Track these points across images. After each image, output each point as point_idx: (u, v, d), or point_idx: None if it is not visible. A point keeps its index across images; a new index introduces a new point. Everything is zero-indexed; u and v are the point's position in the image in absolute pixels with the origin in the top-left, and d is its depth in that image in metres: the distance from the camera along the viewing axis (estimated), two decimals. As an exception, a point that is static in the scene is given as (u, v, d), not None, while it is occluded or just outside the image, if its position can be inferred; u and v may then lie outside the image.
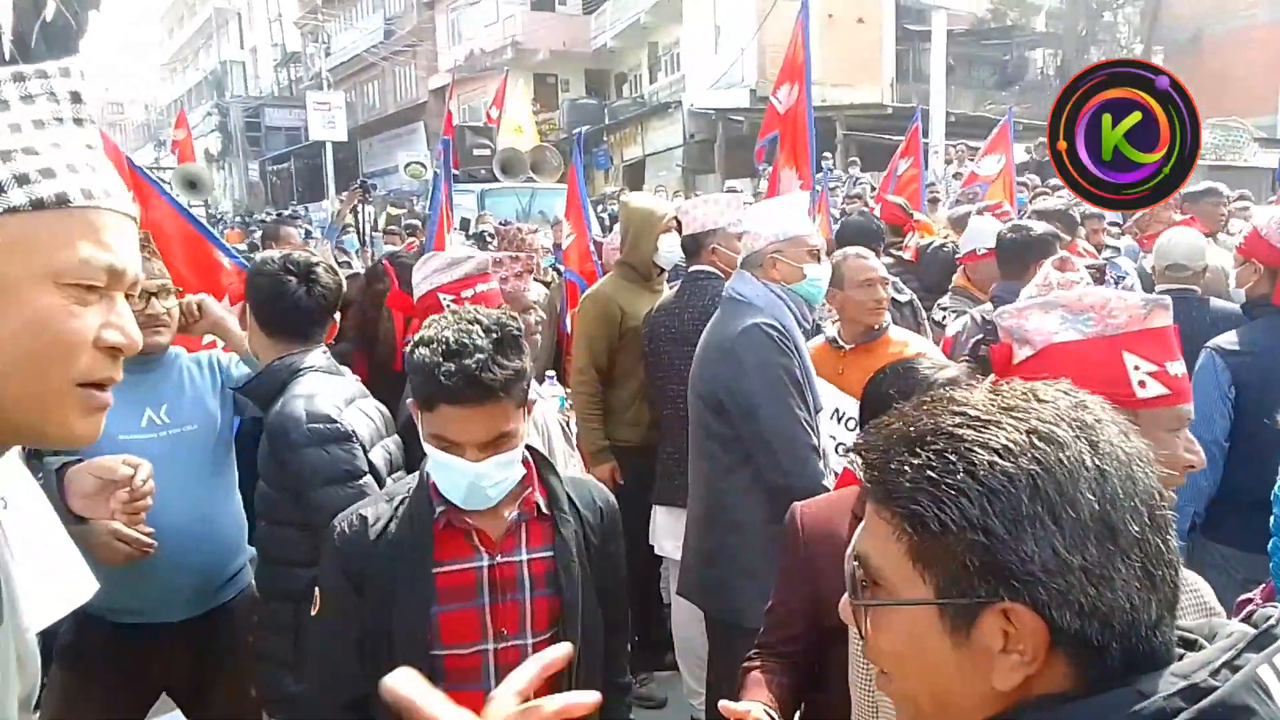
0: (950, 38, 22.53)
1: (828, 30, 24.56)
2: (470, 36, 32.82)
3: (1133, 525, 0.78)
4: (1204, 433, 3.05)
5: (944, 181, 12.69)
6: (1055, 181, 11.98)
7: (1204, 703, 0.72)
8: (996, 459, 0.78)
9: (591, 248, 4.83)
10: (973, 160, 15.71)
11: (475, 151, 13.47)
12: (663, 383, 3.60)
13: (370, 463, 2.29)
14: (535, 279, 4.90)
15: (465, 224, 11.34)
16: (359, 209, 7.66)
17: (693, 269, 3.60)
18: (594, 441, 3.84)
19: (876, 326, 3.31)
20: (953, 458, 0.79)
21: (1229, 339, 3.17)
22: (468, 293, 2.55)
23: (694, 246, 3.57)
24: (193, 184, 12.30)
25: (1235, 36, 25.47)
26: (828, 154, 17.80)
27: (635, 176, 26.73)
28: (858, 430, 3.12)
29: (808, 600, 1.79)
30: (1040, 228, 3.78)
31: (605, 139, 28.28)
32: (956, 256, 4.27)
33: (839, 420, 3.22)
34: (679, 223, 3.77)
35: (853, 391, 3.14)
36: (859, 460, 0.88)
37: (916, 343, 3.37)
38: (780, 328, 2.74)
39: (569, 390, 3.99)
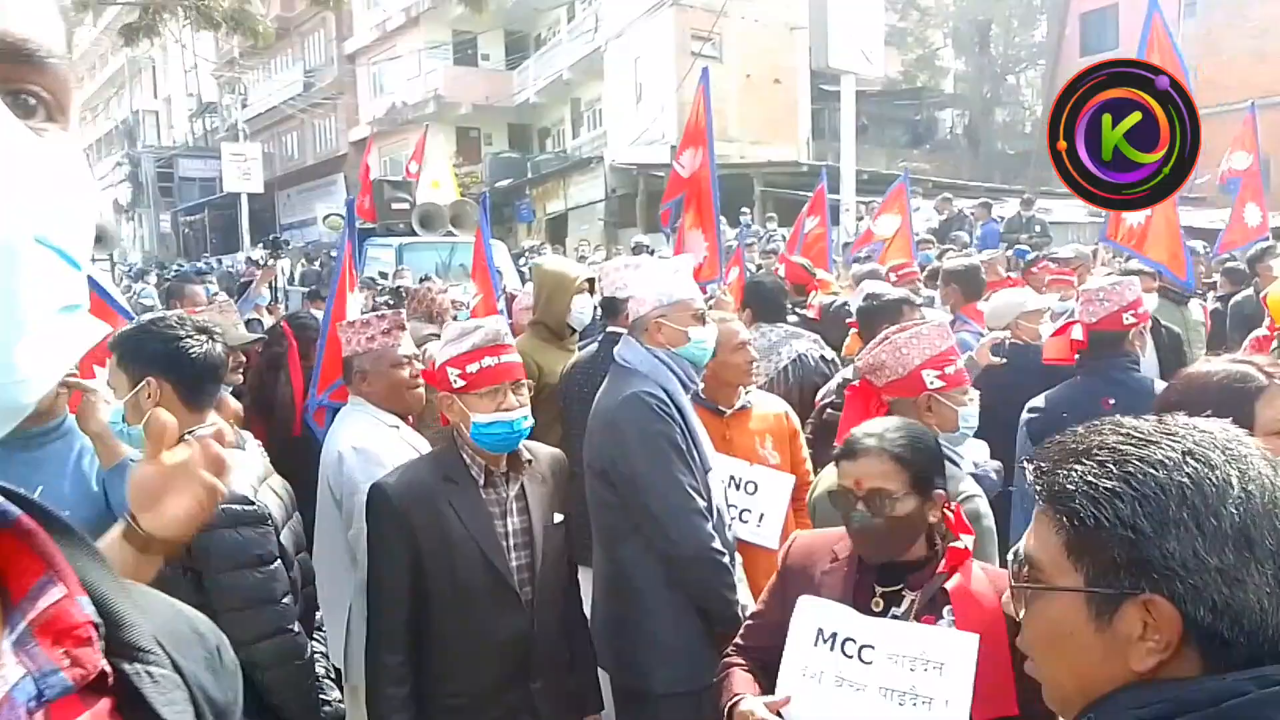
0: (863, 98, 23.30)
1: (746, 90, 25.24)
2: (392, 89, 32.75)
3: (1269, 540, 0.87)
4: (1019, 484, 3.25)
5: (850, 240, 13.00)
6: (964, 238, 12.39)
7: (1269, 689, 0.82)
8: (1151, 470, 0.90)
9: (500, 306, 4.79)
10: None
11: (394, 205, 13.30)
12: (575, 441, 3.57)
13: (280, 545, 2.22)
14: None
15: (384, 278, 11.19)
16: (271, 260, 7.49)
17: (610, 329, 3.61)
18: None
19: (747, 388, 3.36)
20: (1113, 466, 0.92)
21: (1037, 399, 3.40)
22: (473, 367, 2.36)
23: (612, 307, 3.60)
24: (97, 238, 11.90)
25: (1128, 100, 26.78)
26: (746, 209, 18.16)
27: (558, 230, 26.85)
28: (757, 493, 3.15)
29: (779, 616, 1.96)
30: (895, 294, 4.13)
31: (528, 193, 28.38)
32: (848, 320, 4.40)
33: (738, 487, 3.21)
34: (592, 284, 3.82)
35: (744, 454, 3.24)
36: (1030, 468, 1.01)
37: (781, 406, 3.49)
38: (660, 395, 2.72)
39: None
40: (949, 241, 11.97)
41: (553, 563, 2.54)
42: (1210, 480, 0.88)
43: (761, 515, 3.20)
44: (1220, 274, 7.57)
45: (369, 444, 2.73)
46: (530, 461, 2.53)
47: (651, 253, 14.95)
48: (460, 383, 2.36)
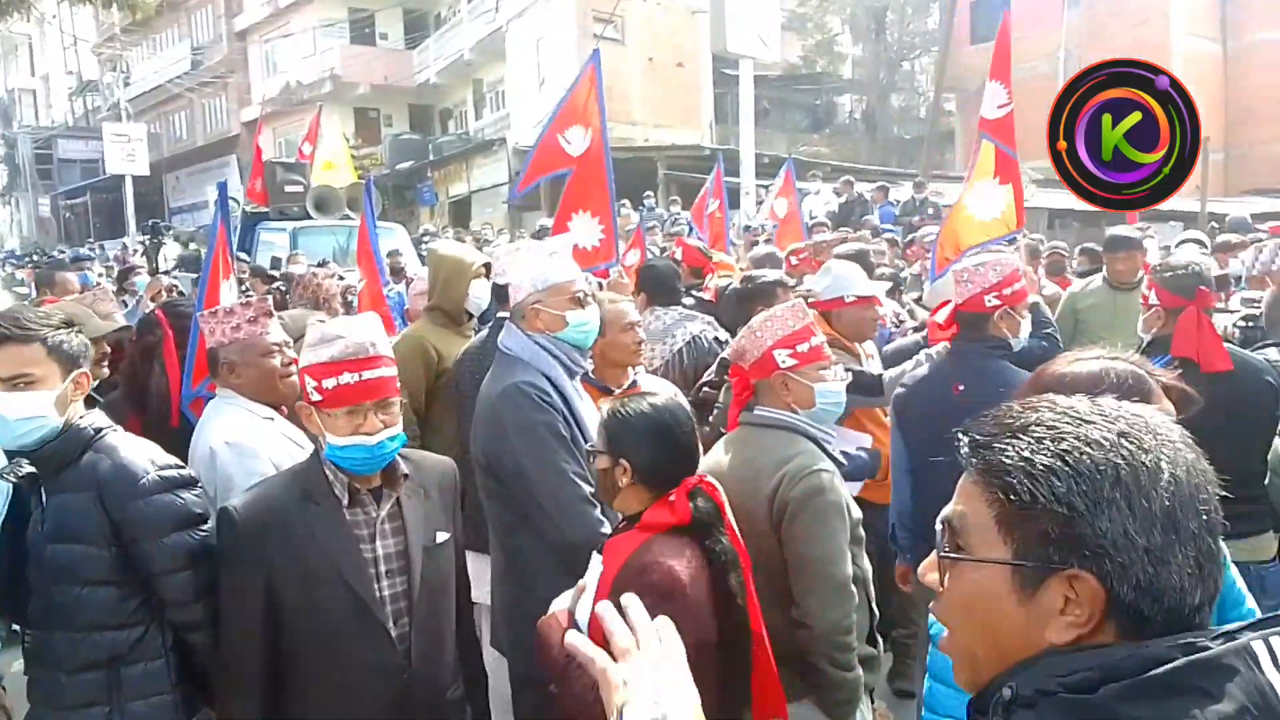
0: (763, 82, 23.57)
1: (649, 73, 25.27)
2: (285, 69, 31.71)
3: (1192, 523, 0.91)
4: (896, 461, 3.36)
5: (757, 221, 13.13)
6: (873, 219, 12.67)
7: (1195, 655, 0.86)
8: (1087, 449, 0.92)
9: (389, 294, 4.68)
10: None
11: (287, 188, 12.89)
12: (468, 428, 3.53)
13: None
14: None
15: (276, 263, 10.84)
16: (152, 249, 7.17)
17: (499, 315, 3.56)
18: None
19: (634, 368, 3.33)
20: (1049, 444, 0.94)
21: (906, 378, 3.40)
22: (331, 382, 2.07)
23: (502, 294, 3.54)
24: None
25: (1018, 86, 27.75)
26: (649, 192, 18.21)
27: (461, 213, 26.49)
28: None
29: None
30: (770, 277, 4.15)
31: (430, 175, 27.90)
32: (810, 302, 4.33)
33: None
34: (489, 269, 3.78)
35: None
36: (964, 439, 1.02)
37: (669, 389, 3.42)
38: (539, 384, 2.66)
39: None
40: (858, 225, 12.19)
41: (435, 588, 2.29)
42: (1144, 464, 0.92)
43: None
44: (1079, 252, 7.82)
45: (243, 438, 2.58)
46: (408, 476, 2.26)
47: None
48: (316, 396, 2.11)
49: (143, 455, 2.26)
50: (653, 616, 1.10)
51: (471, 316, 4.05)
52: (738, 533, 2.20)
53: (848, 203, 15.20)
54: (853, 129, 32.79)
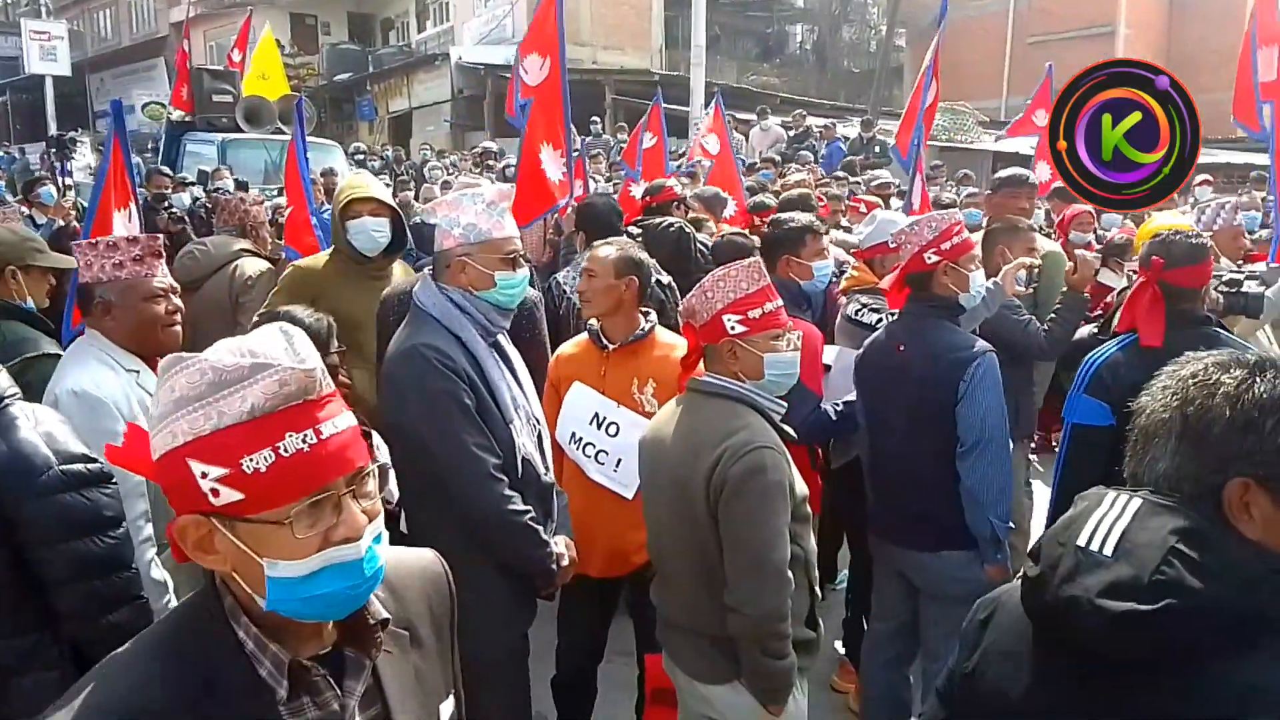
0: (716, 7, 23.05)
1: (599, -8, 24.55)
2: (218, -33, 30.14)
3: None
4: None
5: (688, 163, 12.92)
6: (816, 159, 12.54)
7: None
8: None
9: (315, 222, 4.46)
10: (737, 131, 16.23)
11: (216, 97, 12.32)
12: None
13: None
14: (264, 255, 4.51)
15: (204, 177, 10.39)
16: (57, 162, 6.79)
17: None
18: None
19: (642, 327, 3.08)
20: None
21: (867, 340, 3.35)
22: (258, 461, 1.03)
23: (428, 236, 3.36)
24: None
25: (968, 25, 27.64)
26: (596, 118, 17.82)
27: (402, 130, 25.71)
28: (618, 436, 3.02)
29: None
30: (802, 219, 3.70)
31: (369, 89, 26.96)
32: (853, 250, 4.03)
33: (599, 426, 3.03)
34: (388, 206, 3.58)
35: (615, 394, 3.02)
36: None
37: (684, 345, 3.25)
38: (441, 346, 2.45)
39: None
40: (802, 161, 12.07)
41: None
42: None
43: (619, 460, 2.98)
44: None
45: (94, 388, 2.30)
46: (386, 622, 1.22)
47: (499, 157, 14.52)
48: (231, 496, 1.04)
49: (46, 441, 1.95)
50: None
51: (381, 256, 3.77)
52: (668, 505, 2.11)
53: (798, 135, 15.07)
54: (803, 60, 32.39)
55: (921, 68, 7.21)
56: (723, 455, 2.27)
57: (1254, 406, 1.18)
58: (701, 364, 2.49)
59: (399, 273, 3.86)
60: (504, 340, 2.72)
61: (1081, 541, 1.22)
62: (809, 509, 2.45)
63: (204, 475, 1.03)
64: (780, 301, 2.44)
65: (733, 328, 2.36)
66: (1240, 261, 4.72)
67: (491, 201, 2.59)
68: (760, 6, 31.02)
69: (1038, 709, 1.27)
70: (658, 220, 4.35)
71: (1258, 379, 1.20)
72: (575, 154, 5.41)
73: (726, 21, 28.96)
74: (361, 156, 16.63)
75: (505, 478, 2.49)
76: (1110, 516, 1.23)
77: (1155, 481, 1.25)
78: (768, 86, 24.88)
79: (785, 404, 2.48)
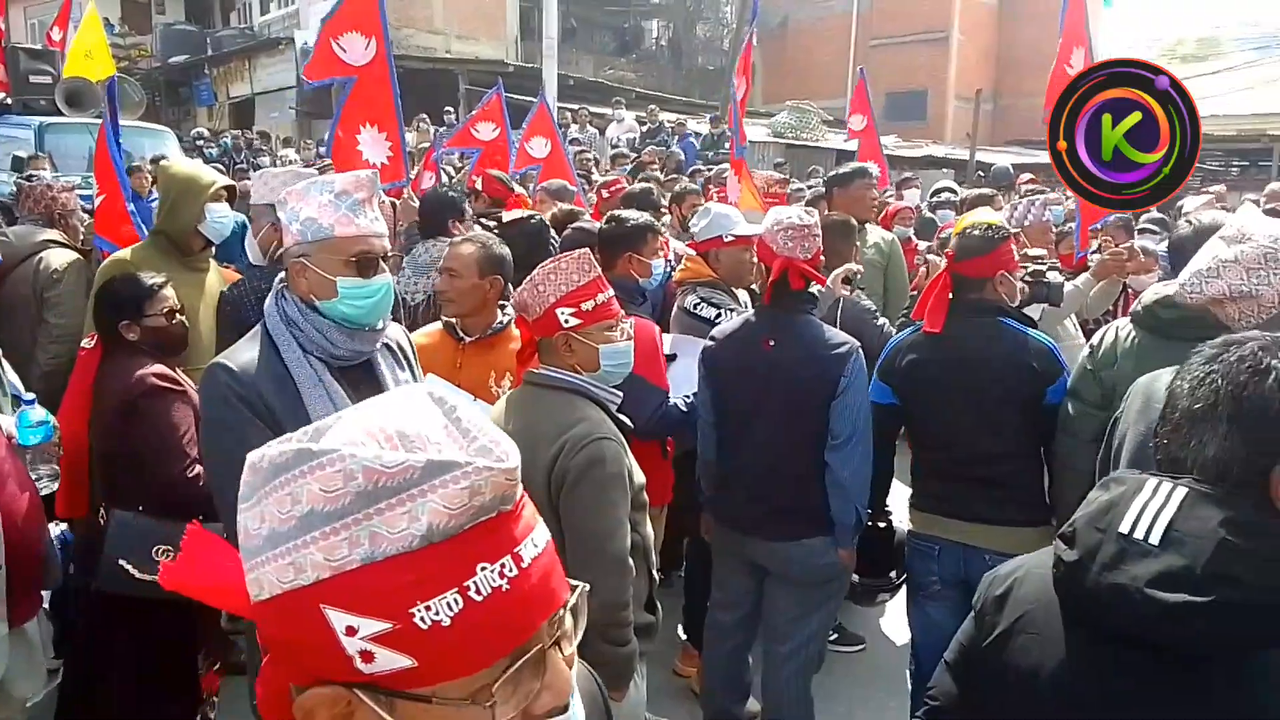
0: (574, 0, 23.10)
1: (452, -20, 24.09)
2: (36, -62, 28.05)
3: None
4: (702, 413, 3.31)
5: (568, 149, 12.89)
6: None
7: None
8: None
9: (132, 209, 4.20)
10: (591, 124, 16.29)
11: (33, 78, 11.46)
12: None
13: None
14: (73, 246, 4.23)
15: (18, 164, 9.65)
16: None
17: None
18: None
19: (500, 320, 3.07)
20: None
21: (716, 331, 3.35)
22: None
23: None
24: None
25: (815, 25, 28.62)
26: (450, 108, 17.52)
27: (244, 116, 24.60)
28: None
29: None
30: (640, 218, 3.72)
31: (208, 72, 25.68)
32: (693, 244, 4.01)
33: None
34: (232, 192, 3.44)
35: (471, 386, 2.95)
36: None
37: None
38: (239, 370, 2.09)
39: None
40: (663, 158, 12.17)
41: None
42: None
43: None
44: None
45: None
46: None
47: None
48: (387, 661, 0.72)
49: None
50: None
51: (210, 245, 3.65)
52: None
53: (649, 131, 15.25)
54: (659, 56, 32.73)
55: (734, 67, 7.44)
56: (563, 447, 2.27)
57: None
58: (537, 357, 2.49)
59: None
60: (383, 366, 2.30)
61: (1124, 529, 1.22)
62: (646, 496, 2.48)
63: (350, 631, 0.71)
64: (611, 292, 2.46)
65: (566, 321, 2.35)
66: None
67: (342, 191, 2.16)
68: (617, 1, 31.15)
69: (1075, 693, 1.27)
70: (514, 215, 4.32)
71: None
72: (427, 145, 5.32)
73: (583, 15, 28.97)
74: (202, 143, 15.86)
75: None
76: (1155, 504, 1.23)
77: (1202, 465, 1.26)
78: (624, 81, 25.06)
79: (621, 394, 2.50)
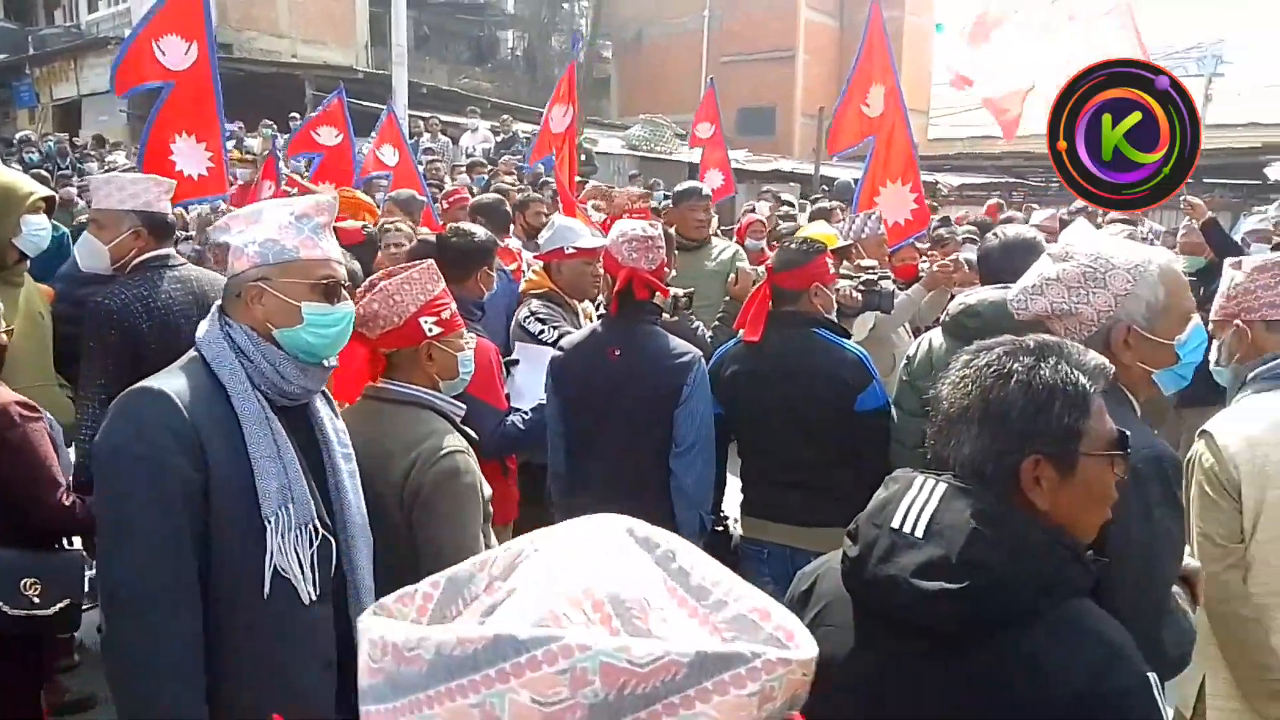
0: (426, 7, 22.75)
1: (298, -18, 23.39)
2: None
3: None
4: (550, 422, 3.32)
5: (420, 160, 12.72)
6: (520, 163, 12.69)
7: None
8: None
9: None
10: (445, 134, 16.11)
11: None
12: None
13: None
14: None
15: None
16: None
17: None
18: None
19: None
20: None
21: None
22: None
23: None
24: None
25: (669, 41, 29.18)
26: (295, 114, 16.99)
27: (69, 119, 23.11)
28: None
29: None
30: (481, 233, 3.64)
31: (30, 72, 24.05)
32: (538, 255, 3.97)
33: None
34: (50, 203, 3.25)
35: None
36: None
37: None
38: (172, 398, 1.82)
39: None
40: (505, 165, 12.17)
41: None
42: None
43: None
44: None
45: None
46: None
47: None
48: None
49: None
50: None
51: (25, 258, 3.44)
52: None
53: (504, 141, 15.21)
54: (515, 66, 32.64)
55: (559, 90, 7.68)
56: (415, 461, 2.24)
57: (1044, 390, 1.31)
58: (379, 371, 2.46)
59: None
60: (323, 410, 2.11)
61: (895, 524, 1.32)
62: (491, 508, 2.48)
63: None
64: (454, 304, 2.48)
65: (430, 329, 2.35)
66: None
67: (302, 214, 2.00)
68: (471, 10, 30.90)
69: (865, 677, 1.35)
70: (360, 224, 4.24)
71: (1042, 365, 1.34)
72: (266, 153, 5.16)
73: (437, 22, 28.62)
74: (27, 147, 14.85)
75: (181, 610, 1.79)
76: (920, 500, 1.33)
77: (960, 463, 1.35)
78: (479, 90, 24.85)
79: (464, 406, 2.50)
